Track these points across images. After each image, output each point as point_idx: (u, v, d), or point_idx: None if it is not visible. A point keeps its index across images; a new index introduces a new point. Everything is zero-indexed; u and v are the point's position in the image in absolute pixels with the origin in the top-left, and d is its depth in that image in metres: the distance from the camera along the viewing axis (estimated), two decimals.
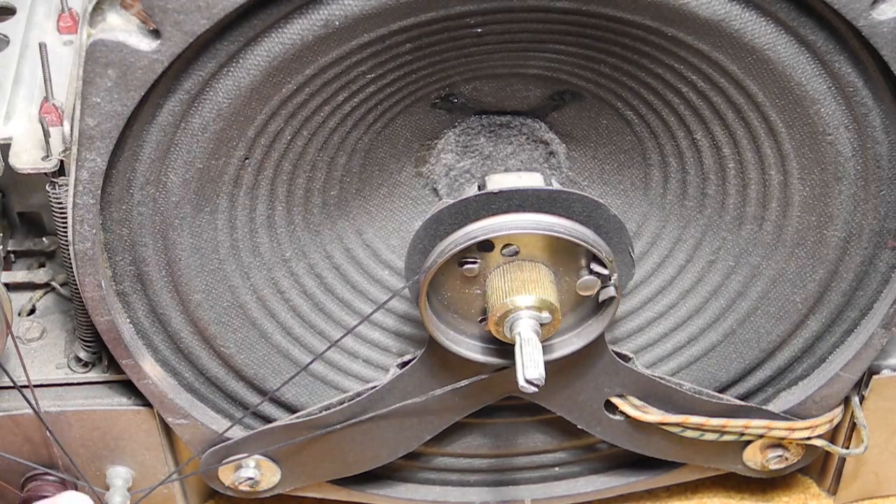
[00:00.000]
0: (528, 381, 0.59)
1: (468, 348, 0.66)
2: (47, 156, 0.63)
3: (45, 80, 0.64)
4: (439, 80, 0.63)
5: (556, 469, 0.80)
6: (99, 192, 0.59)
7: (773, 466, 0.76)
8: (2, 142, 0.65)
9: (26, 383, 0.69)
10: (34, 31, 0.73)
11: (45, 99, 0.64)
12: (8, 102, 0.67)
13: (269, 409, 0.72)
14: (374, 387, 0.70)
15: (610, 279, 0.62)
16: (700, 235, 0.69)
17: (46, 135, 0.62)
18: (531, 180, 0.64)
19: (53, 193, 0.62)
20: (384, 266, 0.71)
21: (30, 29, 0.73)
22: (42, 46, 0.64)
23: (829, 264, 0.67)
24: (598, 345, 0.67)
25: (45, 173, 0.63)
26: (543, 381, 0.59)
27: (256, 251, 0.66)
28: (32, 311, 0.76)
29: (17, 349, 0.68)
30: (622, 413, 0.72)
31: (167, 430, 0.73)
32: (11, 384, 0.68)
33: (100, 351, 0.71)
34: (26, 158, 0.63)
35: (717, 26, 0.57)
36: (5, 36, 0.73)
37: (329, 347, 0.69)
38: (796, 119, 0.61)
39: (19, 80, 0.69)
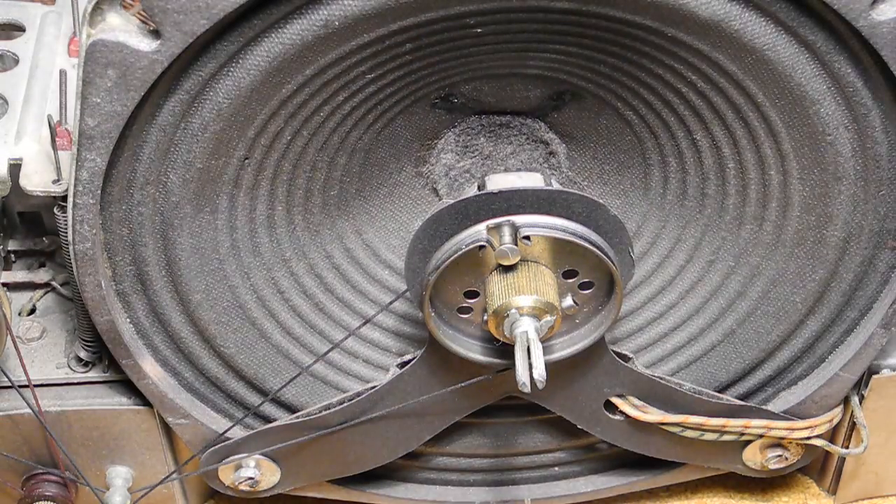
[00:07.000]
0: (528, 382, 0.59)
1: (469, 348, 0.66)
2: (58, 179, 0.63)
3: (61, 106, 0.65)
4: (439, 80, 0.63)
5: (556, 469, 0.80)
6: (99, 192, 0.59)
7: (772, 466, 0.76)
8: (12, 162, 0.65)
9: (26, 383, 0.69)
10: (43, 50, 0.73)
11: (59, 123, 0.64)
12: (18, 122, 0.68)
13: (269, 408, 0.72)
14: (374, 387, 0.70)
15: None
16: (700, 235, 0.69)
17: (58, 159, 0.63)
18: (531, 180, 0.64)
19: (62, 216, 0.63)
20: (384, 266, 0.71)
21: (39, 49, 0.73)
22: (62, 73, 0.65)
23: (828, 264, 0.67)
24: (598, 345, 0.66)
25: (54, 196, 0.63)
26: (544, 381, 0.59)
27: (256, 251, 0.66)
28: (32, 311, 0.76)
29: (17, 349, 0.68)
30: (622, 413, 0.72)
31: (167, 430, 0.73)
32: (11, 384, 0.68)
33: (100, 351, 0.71)
34: (37, 181, 0.64)
35: (716, 26, 0.57)
36: (14, 54, 0.73)
37: (331, 349, 0.69)
38: (796, 119, 0.61)
39: (29, 100, 0.69)
